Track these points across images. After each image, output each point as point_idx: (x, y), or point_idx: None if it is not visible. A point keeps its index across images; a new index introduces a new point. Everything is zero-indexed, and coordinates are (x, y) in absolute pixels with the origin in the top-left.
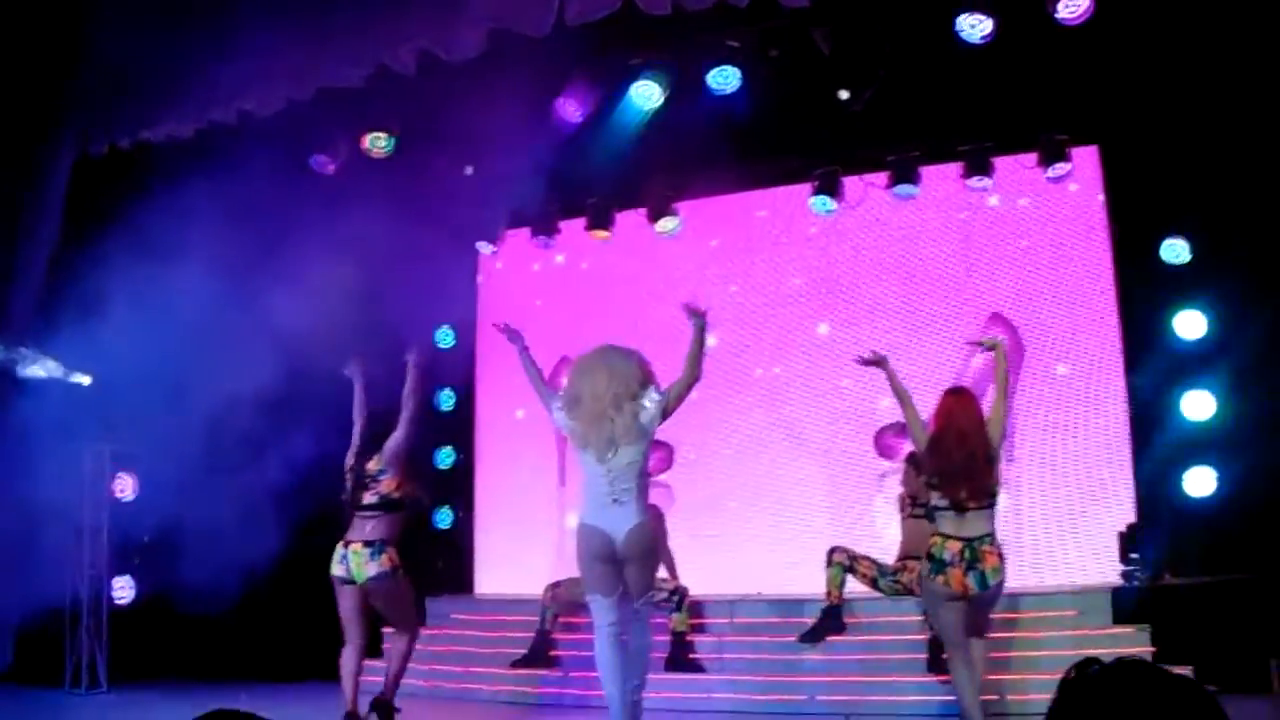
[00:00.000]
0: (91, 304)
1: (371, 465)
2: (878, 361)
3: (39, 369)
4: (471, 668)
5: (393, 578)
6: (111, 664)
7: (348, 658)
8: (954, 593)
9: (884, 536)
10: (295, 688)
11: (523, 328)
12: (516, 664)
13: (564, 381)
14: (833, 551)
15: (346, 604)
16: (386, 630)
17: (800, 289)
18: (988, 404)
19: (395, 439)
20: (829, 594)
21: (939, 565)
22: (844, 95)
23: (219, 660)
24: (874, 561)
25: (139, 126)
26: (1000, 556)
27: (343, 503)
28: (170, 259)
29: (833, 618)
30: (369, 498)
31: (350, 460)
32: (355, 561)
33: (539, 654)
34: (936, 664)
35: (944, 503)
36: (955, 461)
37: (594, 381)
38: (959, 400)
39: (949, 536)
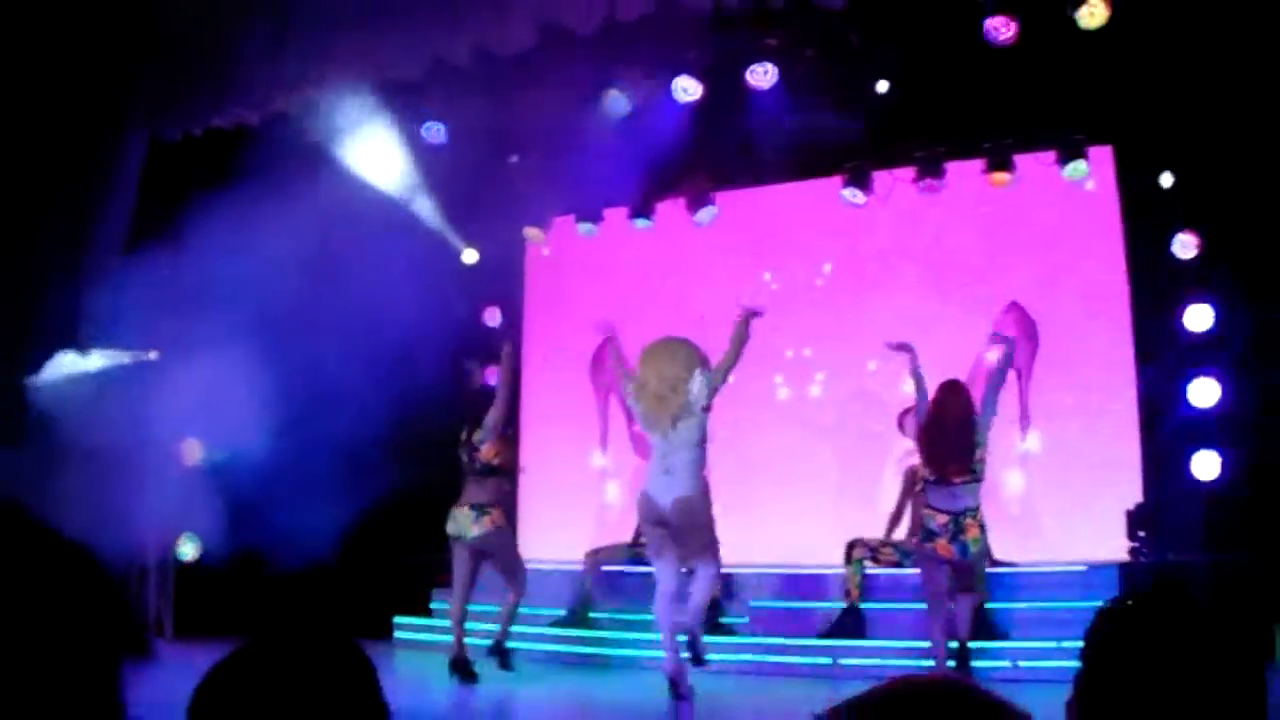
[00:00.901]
0: (163, 284)
1: (476, 436)
2: (904, 347)
3: (108, 359)
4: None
5: (498, 535)
6: (177, 618)
7: (455, 608)
8: (941, 557)
9: (903, 513)
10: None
11: (568, 310)
12: (556, 623)
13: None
14: (852, 547)
15: (455, 560)
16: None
17: (830, 276)
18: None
19: (492, 413)
20: (848, 593)
21: (929, 534)
22: (882, 88)
23: (280, 617)
24: (894, 546)
25: (211, 113)
26: (981, 528)
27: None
28: (238, 240)
29: (852, 619)
30: (475, 464)
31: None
32: (463, 522)
33: (578, 615)
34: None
35: (933, 477)
36: (942, 444)
37: (658, 367)
38: (952, 392)
39: (938, 510)
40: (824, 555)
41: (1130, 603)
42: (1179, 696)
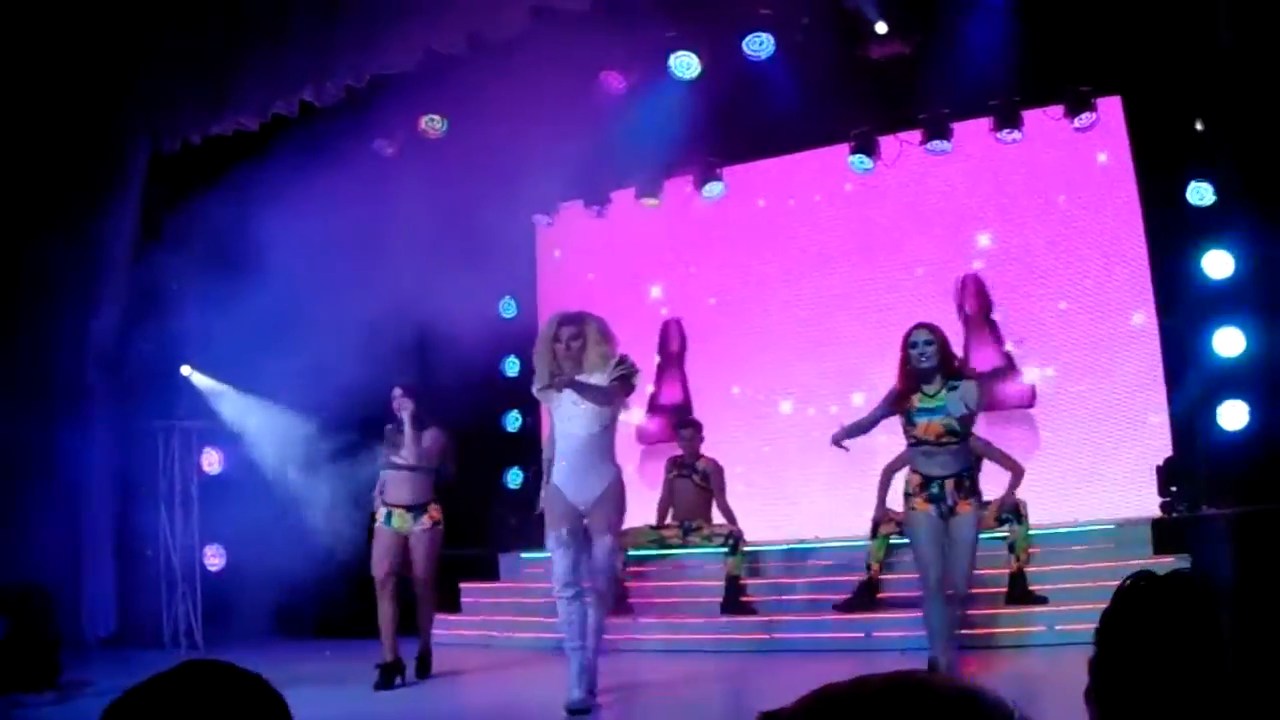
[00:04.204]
0: (173, 295)
1: None
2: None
3: None
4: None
5: None
6: (205, 625)
7: None
8: None
9: None
10: (365, 643)
11: (580, 294)
12: None
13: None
14: (879, 523)
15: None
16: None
17: (843, 244)
18: None
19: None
20: (869, 566)
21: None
22: (881, 29)
23: (305, 620)
24: None
25: (210, 121)
26: None
27: None
28: (246, 245)
29: (868, 592)
30: None
31: None
32: None
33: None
34: (1016, 596)
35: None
36: None
37: None
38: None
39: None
40: (858, 528)
41: (1142, 585)
42: (1192, 679)
